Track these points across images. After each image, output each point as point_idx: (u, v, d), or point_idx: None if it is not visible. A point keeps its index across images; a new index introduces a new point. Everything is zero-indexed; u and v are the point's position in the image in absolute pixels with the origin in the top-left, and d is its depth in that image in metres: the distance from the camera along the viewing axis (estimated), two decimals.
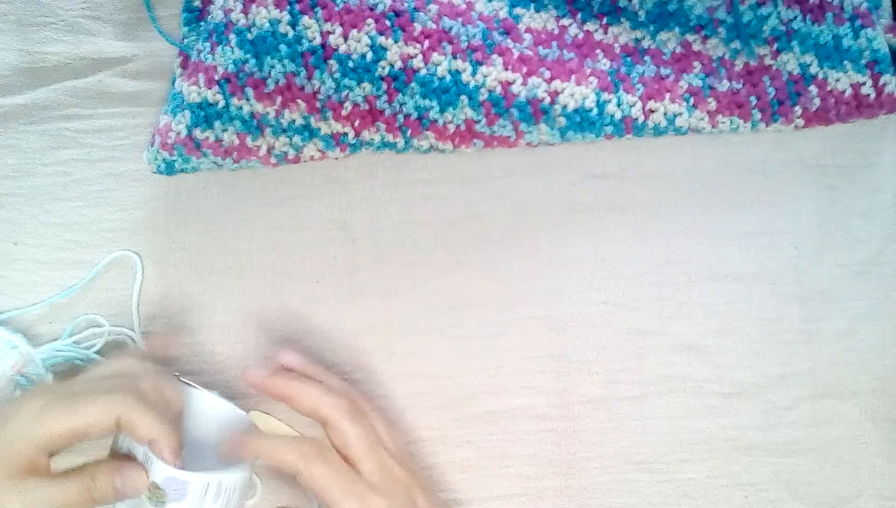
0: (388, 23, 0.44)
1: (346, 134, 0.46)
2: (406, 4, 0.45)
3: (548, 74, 0.45)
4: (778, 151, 0.49)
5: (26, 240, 0.50)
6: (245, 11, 0.44)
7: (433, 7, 0.45)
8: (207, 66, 0.45)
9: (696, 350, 0.48)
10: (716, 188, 0.49)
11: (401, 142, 0.47)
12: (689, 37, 0.48)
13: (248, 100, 0.45)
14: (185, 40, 0.50)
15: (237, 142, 0.46)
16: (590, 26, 0.48)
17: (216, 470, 0.40)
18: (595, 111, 0.46)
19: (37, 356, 0.46)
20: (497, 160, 0.49)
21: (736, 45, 0.48)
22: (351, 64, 0.44)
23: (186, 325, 0.49)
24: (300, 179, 0.50)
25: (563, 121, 0.46)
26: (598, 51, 0.48)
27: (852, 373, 0.48)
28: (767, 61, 0.47)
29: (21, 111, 0.51)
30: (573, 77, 0.46)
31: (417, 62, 0.44)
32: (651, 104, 0.47)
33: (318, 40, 0.44)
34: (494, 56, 0.45)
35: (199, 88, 0.45)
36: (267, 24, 0.44)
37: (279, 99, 0.45)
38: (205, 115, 0.45)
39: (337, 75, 0.44)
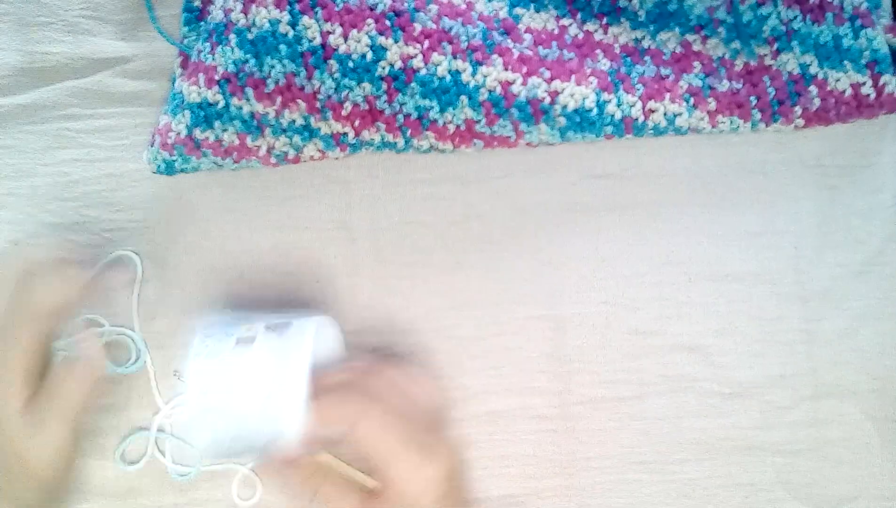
0: (388, 23, 0.44)
1: (346, 134, 0.46)
2: (406, 4, 0.45)
3: (548, 74, 0.45)
4: (778, 151, 0.49)
5: (26, 240, 0.50)
6: (245, 11, 0.44)
7: (433, 7, 0.45)
8: (207, 66, 0.45)
9: (696, 350, 0.48)
10: (716, 188, 0.49)
11: (401, 142, 0.47)
12: (689, 37, 0.48)
13: (248, 100, 0.45)
14: (185, 40, 0.50)
15: (237, 142, 0.46)
16: (590, 26, 0.48)
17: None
18: (595, 111, 0.46)
19: None
20: (497, 160, 0.49)
21: (736, 45, 0.48)
22: (351, 64, 0.44)
23: (186, 325, 0.49)
24: (300, 179, 0.50)
25: (563, 121, 0.46)
26: (598, 51, 0.48)
27: (852, 373, 0.48)
28: (767, 61, 0.47)
29: (21, 111, 0.51)
30: (573, 77, 0.46)
31: (417, 62, 0.44)
32: (651, 104, 0.47)
33: (318, 40, 0.44)
34: (494, 56, 0.45)
35: (199, 88, 0.45)
36: (267, 24, 0.44)
37: (279, 99, 0.45)
38: (205, 115, 0.45)
39: (337, 75, 0.44)
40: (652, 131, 0.47)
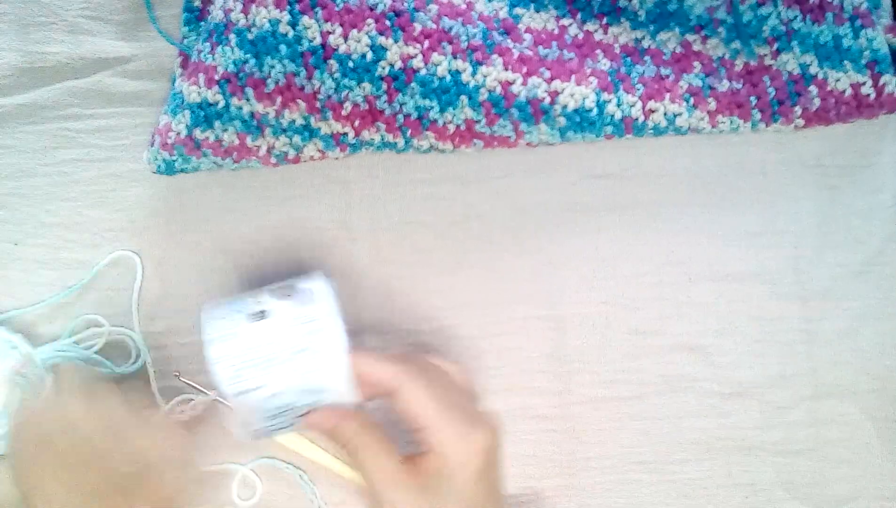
0: (388, 23, 0.44)
1: (346, 134, 0.46)
2: (406, 4, 0.45)
3: (548, 74, 0.45)
4: (778, 151, 0.49)
5: (26, 240, 0.50)
6: (245, 11, 0.44)
7: (433, 7, 0.45)
8: (207, 66, 0.45)
9: (696, 350, 0.48)
10: (716, 188, 0.49)
11: (401, 142, 0.47)
12: (689, 37, 0.48)
13: (248, 100, 0.45)
14: (185, 40, 0.50)
15: (237, 142, 0.46)
16: (590, 26, 0.48)
17: None
18: (595, 111, 0.46)
19: (37, 356, 0.46)
20: (497, 160, 0.49)
21: (736, 45, 0.48)
22: (351, 64, 0.44)
23: (186, 325, 0.49)
24: (300, 179, 0.50)
25: (563, 121, 0.46)
26: (598, 51, 0.48)
27: (852, 373, 0.48)
28: (767, 61, 0.47)
29: (21, 111, 0.50)
30: (573, 77, 0.46)
31: (417, 62, 0.44)
32: (651, 104, 0.47)
33: (318, 40, 0.44)
34: (494, 56, 0.45)
35: (199, 88, 0.45)
36: (267, 24, 0.44)
37: (279, 99, 0.45)
38: (205, 115, 0.45)
39: (337, 75, 0.44)
40: (652, 131, 0.47)
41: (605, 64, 0.47)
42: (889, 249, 0.48)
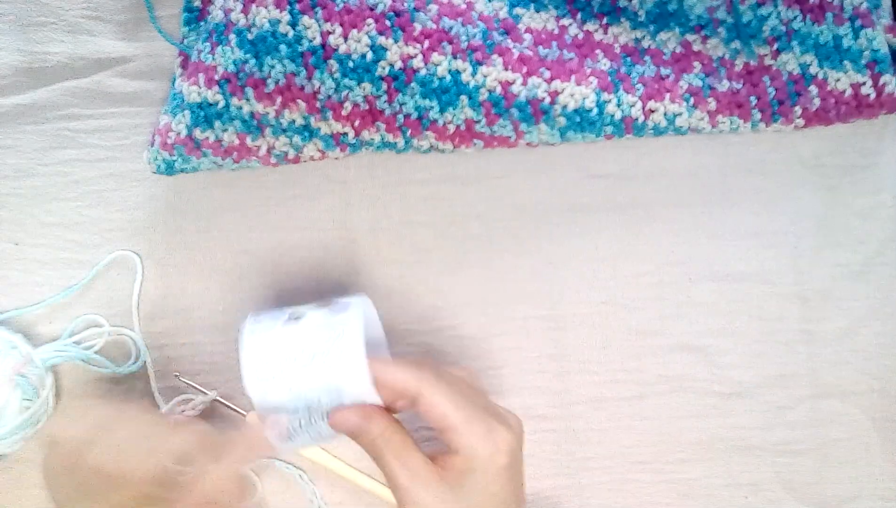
0: (388, 23, 0.44)
1: (346, 134, 0.46)
2: (406, 4, 0.45)
3: (548, 74, 0.45)
4: (778, 151, 0.49)
5: (26, 240, 0.50)
6: (245, 11, 0.44)
7: (433, 7, 0.45)
8: (207, 66, 0.45)
9: (696, 350, 0.48)
10: (716, 188, 0.49)
11: (401, 142, 0.47)
12: (689, 37, 0.48)
13: (248, 100, 0.45)
14: (185, 40, 0.50)
15: (237, 142, 0.46)
16: (590, 26, 0.48)
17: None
18: (595, 111, 0.46)
19: (37, 356, 0.46)
20: (497, 160, 0.49)
21: (736, 45, 0.48)
22: (351, 64, 0.44)
23: (186, 325, 0.49)
24: (300, 179, 0.50)
25: (563, 121, 0.46)
26: (598, 51, 0.48)
27: (852, 373, 0.48)
28: (767, 61, 0.47)
29: (21, 111, 0.50)
30: (573, 77, 0.46)
31: (417, 62, 0.44)
32: (651, 104, 0.47)
33: (318, 40, 0.44)
34: (494, 56, 0.45)
35: (199, 88, 0.45)
36: (267, 24, 0.44)
37: (279, 99, 0.45)
38: (205, 115, 0.45)
39: (337, 75, 0.44)
40: (652, 131, 0.47)
41: (605, 64, 0.47)
42: (889, 249, 0.48)
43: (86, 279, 0.49)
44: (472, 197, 0.49)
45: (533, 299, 0.49)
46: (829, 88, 0.47)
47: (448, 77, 0.45)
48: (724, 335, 0.48)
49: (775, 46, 0.47)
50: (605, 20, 0.48)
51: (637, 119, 0.46)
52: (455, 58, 0.45)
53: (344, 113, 0.45)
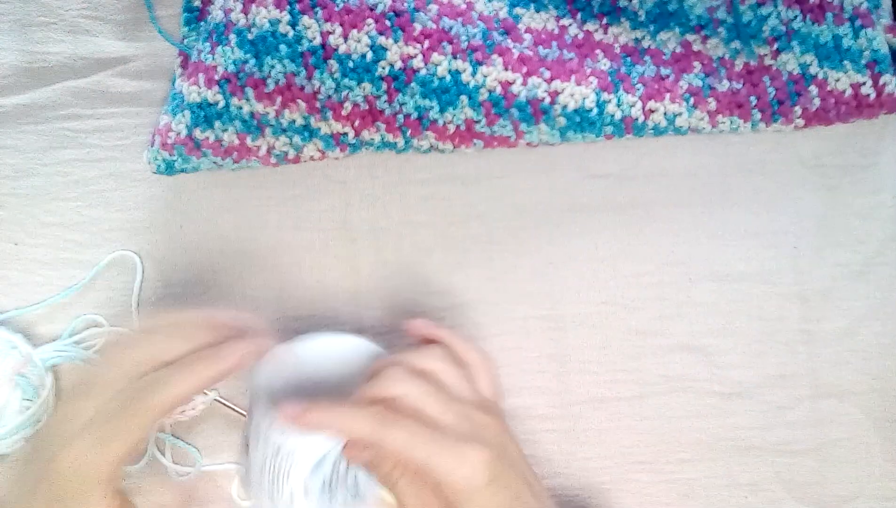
0: (388, 23, 0.44)
1: (346, 134, 0.46)
2: (406, 4, 0.45)
3: (548, 74, 0.45)
4: (778, 151, 0.49)
5: (26, 240, 0.50)
6: (245, 11, 0.44)
7: (433, 7, 0.45)
8: (207, 66, 0.45)
9: (696, 350, 0.48)
10: (716, 188, 0.49)
11: (401, 142, 0.47)
12: (689, 37, 0.48)
13: (248, 100, 0.45)
14: (185, 40, 0.50)
15: (237, 142, 0.46)
16: (590, 26, 0.48)
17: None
18: (595, 111, 0.46)
19: (37, 356, 0.46)
20: (497, 160, 0.49)
21: (736, 45, 0.48)
22: (351, 64, 0.44)
23: None
24: (300, 179, 0.50)
25: (563, 121, 0.46)
26: (598, 51, 0.48)
27: (852, 373, 0.48)
28: (767, 61, 0.47)
29: (21, 111, 0.51)
30: (573, 77, 0.46)
31: (417, 62, 0.44)
32: (651, 104, 0.47)
33: (318, 40, 0.44)
34: (494, 56, 0.45)
35: (199, 88, 0.45)
36: (267, 24, 0.44)
37: (279, 99, 0.45)
38: (205, 115, 0.45)
39: (337, 75, 0.44)
40: (652, 131, 0.47)
41: (605, 64, 0.47)
42: (889, 249, 0.48)
43: (86, 279, 0.49)
44: (472, 197, 0.49)
45: (533, 299, 0.49)
46: (829, 88, 0.47)
47: (448, 77, 0.45)
48: (724, 335, 0.48)
49: (775, 46, 0.47)
50: (605, 20, 0.48)
51: (637, 119, 0.46)
52: (455, 58, 0.45)
53: (344, 113, 0.45)
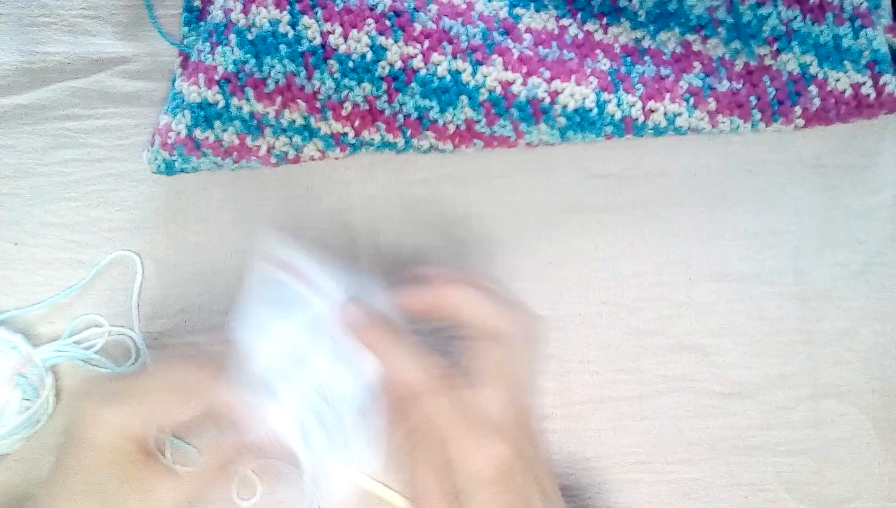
0: (388, 23, 0.44)
1: (346, 134, 0.46)
2: (406, 4, 0.45)
3: (548, 74, 0.45)
4: (778, 151, 0.49)
5: (26, 240, 0.50)
6: (245, 11, 0.44)
7: (433, 7, 0.45)
8: (207, 66, 0.45)
9: (696, 350, 0.48)
10: (716, 188, 0.49)
11: (401, 142, 0.47)
12: (689, 37, 0.48)
13: (248, 100, 0.45)
14: (185, 40, 0.50)
15: (237, 142, 0.46)
16: (590, 26, 0.48)
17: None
18: (595, 111, 0.46)
19: (37, 356, 0.46)
20: (497, 160, 0.49)
21: (736, 45, 0.48)
22: (351, 64, 0.44)
23: (186, 325, 0.49)
24: (300, 179, 0.50)
25: (563, 121, 0.46)
26: (598, 51, 0.48)
27: (852, 373, 0.48)
28: (767, 61, 0.47)
29: (21, 111, 0.50)
30: (573, 77, 0.46)
31: (417, 62, 0.44)
32: (651, 104, 0.47)
33: (318, 40, 0.44)
34: (494, 56, 0.45)
35: (199, 88, 0.45)
36: (267, 24, 0.44)
37: (279, 99, 0.45)
38: (205, 115, 0.45)
39: (337, 75, 0.44)
40: (652, 131, 0.47)
41: (605, 64, 0.47)
42: (889, 249, 0.48)
43: (86, 279, 0.49)
44: (472, 197, 0.49)
45: (533, 299, 0.49)
46: (829, 88, 0.47)
47: (448, 77, 0.45)
48: (724, 335, 0.48)
49: (775, 46, 0.47)
50: (605, 20, 0.48)
51: (637, 119, 0.46)
52: (455, 58, 0.45)
53: (344, 113, 0.45)
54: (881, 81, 0.46)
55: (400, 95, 0.45)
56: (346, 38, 0.44)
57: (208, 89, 0.45)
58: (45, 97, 0.50)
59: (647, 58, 0.48)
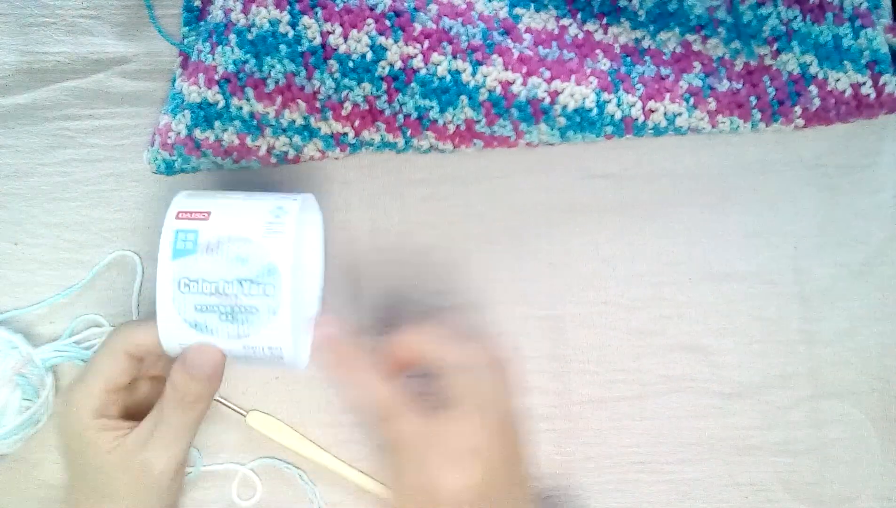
0: (388, 23, 0.44)
1: (346, 134, 0.46)
2: (406, 4, 0.45)
3: (548, 74, 0.45)
4: (778, 151, 0.49)
5: (26, 240, 0.50)
6: (245, 11, 0.44)
7: (433, 7, 0.45)
8: (207, 66, 0.45)
9: (696, 350, 0.48)
10: (716, 188, 0.49)
11: (401, 142, 0.47)
12: (689, 37, 0.48)
13: (248, 100, 0.45)
14: (185, 40, 0.50)
15: (237, 142, 0.46)
16: (590, 26, 0.48)
17: None
18: (595, 111, 0.46)
19: (37, 356, 0.46)
20: (497, 160, 0.49)
21: (736, 45, 0.48)
22: (351, 64, 0.44)
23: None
24: (300, 179, 0.50)
25: (563, 121, 0.46)
26: (598, 51, 0.48)
27: (852, 373, 0.48)
28: (767, 61, 0.47)
29: (21, 111, 0.50)
30: (573, 77, 0.46)
31: (417, 62, 0.44)
32: (651, 104, 0.47)
33: (318, 40, 0.44)
34: (494, 56, 0.45)
35: (199, 88, 0.45)
36: (267, 24, 0.44)
37: (279, 99, 0.45)
38: (205, 115, 0.45)
39: (337, 75, 0.44)
40: (652, 131, 0.47)
41: (605, 64, 0.47)
42: (889, 249, 0.48)
43: (86, 279, 0.49)
44: (472, 197, 0.49)
45: (533, 299, 0.49)
46: (829, 88, 0.47)
47: (448, 77, 0.45)
48: (724, 335, 0.48)
49: (775, 46, 0.47)
50: (605, 20, 0.48)
51: (637, 119, 0.46)
52: (455, 58, 0.45)
53: (344, 113, 0.45)
54: (881, 81, 0.46)
55: (400, 95, 0.45)
56: (346, 38, 0.44)
57: (208, 89, 0.45)
58: (45, 97, 0.50)
59: (647, 58, 0.48)
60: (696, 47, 0.48)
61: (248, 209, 0.38)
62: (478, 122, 0.46)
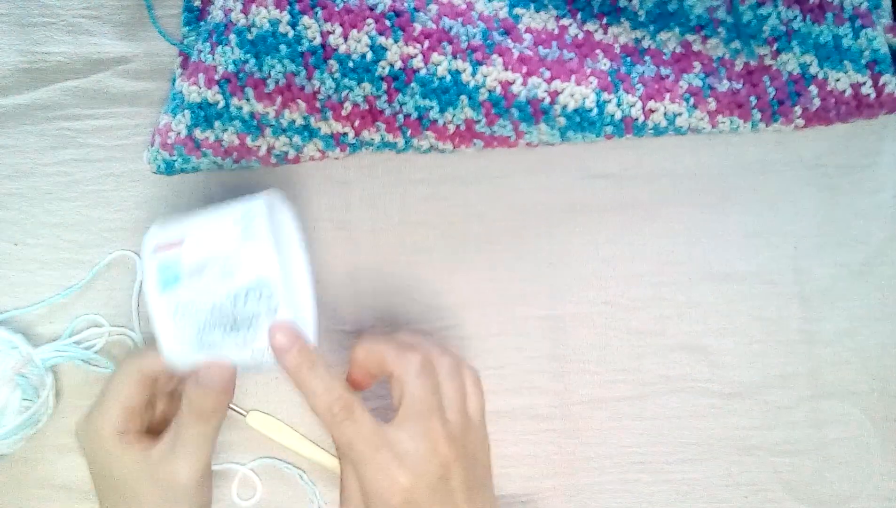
0: (388, 23, 0.44)
1: (346, 134, 0.46)
2: (406, 4, 0.45)
3: (548, 74, 0.45)
4: (778, 151, 0.49)
5: (26, 240, 0.50)
6: (245, 11, 0.44)
7: (433, 7, 0.45)
8: (207, 66, 0.45)
9: (696, 350, 0.48)
10: (716, 188, 0.49)
11: (401, 142, 0.47)
12: (689, 37, 0.48)
13: (248, 100, 0.45)
14: (185, 40, 0.50)
15: (237, 142, 0.46)
16: (590, 26, 0.48)
17: None
18: (595, 111, 0.46)
19: (37, 356, 0.46)
20: (497, 160, 0.49)
21: (736, 45, 0.48)
22: (351, 64, 0.44)
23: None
24: (300, 179, 0.50)
25: (563, 121, 0.46)
26: (598, 51, 0.48)
27: (852, 373, 0.48)
28: (767, 61, 0.47)
29: (21, 111, 0.50)
30: (573, 77, 0.46)
31: (417, 62, 0.44)
32: (651, 104, 0.47)
33: (318, 40, 0.44)
34: (494, 56, 0.45)
35: (199, 88, 0.45)
36: (267, 24, 0.44)
37: (279, 99, 0.45)
38: (205, 115, 0.45)
39: (337, 75, 0.44)
40: (652, 131, 0.47)
41: (605, 64, 0.47)
42: (889, 249, 0.48)
43: (86, 279, 0.49)
44: (472, 197, 0.49)
45: (533, 299, 0.49)
46: (829, 88, 0.47)
47: (448, 77, 0.45)
48: (724, 335, 0.48)
49: (775, 46, 0.47)
50: (605, 20, 0.48)
51: (637, 119, 0.46)
52: (455, 58, 0.45)
53: (344, 113, 0.45)
54: (881, 81, 0.46)
55: (400, 95, 0.45)
56: (346, 38, 0.44)
57: (208, 89, 0.45)
58: (45, 97, 0.50)
59: (647, 58, 0.48)
60: (696, 47, 0.48)
61: (219, 223, 0.38)
62: (478, 122, 0.46)
